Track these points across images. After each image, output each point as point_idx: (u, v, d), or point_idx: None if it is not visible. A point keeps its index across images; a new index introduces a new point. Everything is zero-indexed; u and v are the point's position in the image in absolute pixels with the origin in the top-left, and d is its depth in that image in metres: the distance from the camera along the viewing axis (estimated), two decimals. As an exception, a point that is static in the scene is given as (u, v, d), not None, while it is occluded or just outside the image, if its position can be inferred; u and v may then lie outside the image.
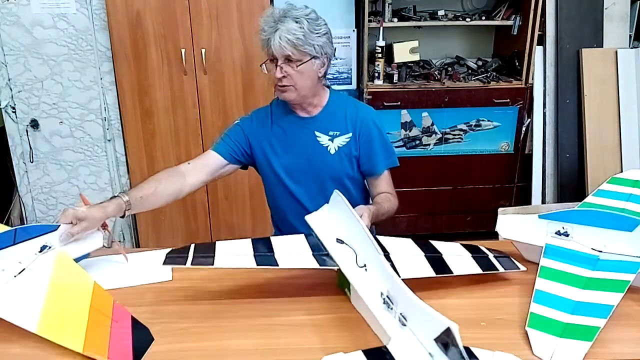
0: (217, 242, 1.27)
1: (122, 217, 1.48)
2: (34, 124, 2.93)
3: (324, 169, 1.68)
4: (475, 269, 1.32)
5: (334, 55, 1.66)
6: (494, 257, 1.38)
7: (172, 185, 1.58)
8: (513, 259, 1.39)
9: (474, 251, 1.39)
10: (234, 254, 1.24)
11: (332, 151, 1.68)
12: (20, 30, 2.80)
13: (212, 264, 1.20)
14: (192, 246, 1.25)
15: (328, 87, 1.73)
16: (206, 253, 1.23)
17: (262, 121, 1.73)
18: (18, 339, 1.14)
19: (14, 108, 2.92)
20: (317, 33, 1.55)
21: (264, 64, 1.61)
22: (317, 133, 1.68)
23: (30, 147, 2.97)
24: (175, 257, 1.21)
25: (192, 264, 1.19)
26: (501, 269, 1.34)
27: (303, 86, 1.59)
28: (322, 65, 1.61)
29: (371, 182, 1.76)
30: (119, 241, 3.20)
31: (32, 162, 3.01)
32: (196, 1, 2.72)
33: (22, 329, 1.11)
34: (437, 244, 1.38)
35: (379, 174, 1.72)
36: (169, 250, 1.25)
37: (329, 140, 1.68)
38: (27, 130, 2.95)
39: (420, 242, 1.37)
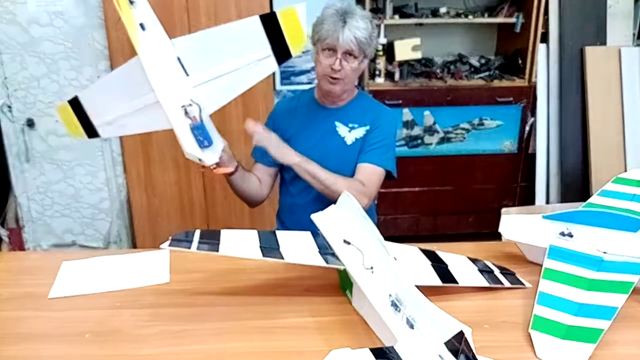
0: (222, 230, 1.26)
1: (232, 174, 1.58)
2: (30, 123, 2.91)
3: (338, 158, 1.69)
4: (482, 282, 1.30)
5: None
6: (500, 273, 1.36)
7: (256, 183, 1.74)
8: (519, 277, 1.36)
9: (481, 265, 1.37)
10: (240, 244, 1.22)
11: (349, 142, 1.71)
12: (17, 28, 2.78)
13: (217, 251, 1.18)
14: (197, 232, 1.22)
15: (356, 86, 1.80)
16: (211, 239, 1.21)
17: (288, 109, 1.79)
18: (13, 341, 1.14)
19: (10, 107, 2.89)
20: (374, 36, 1.63)
21: (317, 52, 1.63)
22: (337, 123, 1.73)
23: (26, 147, 2.95)
24: (180, 241, 1.18)
25: (197, 249, 1.17)
26: (507, 284, 1.32)
27: (350, 81, 1.66)
28: (365, 66, 1.71)
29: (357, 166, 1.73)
30: (115, 242, 3.18)
31: (28, 162, 2.99)
32: (194, 0, 2.70)
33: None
34: (443, 254, 1.36)
35: (362, 162, 1.69)
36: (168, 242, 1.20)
37: (347, 131, 1.72)
38: (23, 130, 2.92)
39: (426, 251, 1.36)
